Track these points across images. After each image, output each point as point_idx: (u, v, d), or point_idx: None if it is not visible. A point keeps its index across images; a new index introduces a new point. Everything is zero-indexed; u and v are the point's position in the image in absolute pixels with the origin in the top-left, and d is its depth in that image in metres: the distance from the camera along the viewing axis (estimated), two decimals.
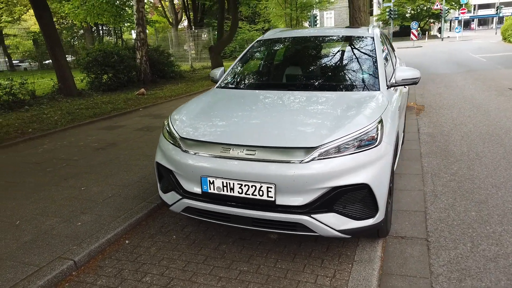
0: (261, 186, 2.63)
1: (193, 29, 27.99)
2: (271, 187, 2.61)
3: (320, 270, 2.81)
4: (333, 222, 2.64)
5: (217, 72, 4.22)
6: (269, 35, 4.57)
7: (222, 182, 2.72)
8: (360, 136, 2.69)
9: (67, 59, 13.28)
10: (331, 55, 4.19)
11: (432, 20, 51.18)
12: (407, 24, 44.36)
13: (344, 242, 3.14)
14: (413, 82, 3.61)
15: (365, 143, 2.71)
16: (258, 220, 2.73)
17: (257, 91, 3.80)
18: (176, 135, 3.02)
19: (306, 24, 34.22)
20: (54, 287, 2.77)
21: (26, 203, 4.05)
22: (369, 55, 3.84)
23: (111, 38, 34.23)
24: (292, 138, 2.70)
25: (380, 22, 50.93)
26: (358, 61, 3.96)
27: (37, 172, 5.08)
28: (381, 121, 2.85)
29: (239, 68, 4.24)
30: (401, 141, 4.66)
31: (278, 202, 2.63)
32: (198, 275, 2.82)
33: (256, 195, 2.66)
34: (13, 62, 32.66)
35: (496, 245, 3.03)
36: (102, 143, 6.43)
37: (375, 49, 3.83)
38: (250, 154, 2.67)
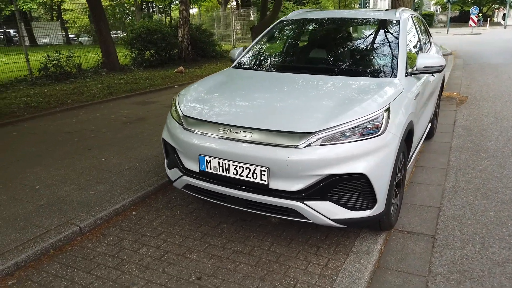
0: (255, 169, 2.60)
1: (240, 8, 27.84)
2: (265, 171, 2.57)
3: (313, 257, 2.76)
4: (327, 211, 2.57)
5: (236, 52, 4.19)
6: (292, 15, 4.44)
7: (219, 162, 2.71)
8: (363, 123, 2.57)
9: (118, 35, 13.69)
10: (351, 39, 4.00)
11: (496, 6, 47.58)
12: (467, 9, 41.58)
13: (345, 232, 3.06)
14: (437, 70, 3.39)
15: (368, 131, 2.58)
16: (252, 203, 2.71)
17: (268, 72, 3.72)
18: (180, 112, 3.04)
19: (357, 6, 33.02)
20: (58, 249, 2.93)
21: (49, 169, 4.28)
22: (391, 40, 3.63)
23: (161, 15, 34.89)
24: (290, 122, 2.63)
25: (439, 7, 48.07)
26: (378, 46, 3.76)
27: (66, 141, 5.34)
28: (388, 110, 2.70)
29: (257, 48, 4.17)
30: (425, 133, 4.43)
31: (272, 186, 2.59)
32: (192, 251, 2.87)
33: (250, 178, 2.64)
34: (69, 36, 34.25)
35: (508, 249, 2.82)
36: (131, 118, 6.64)
37: (398, 34, 3.61)
38: (247, 136, 2.63)
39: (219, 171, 2.74)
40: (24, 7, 22.53)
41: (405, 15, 3.92)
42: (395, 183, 2.90)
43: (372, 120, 2.61)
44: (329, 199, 2.56)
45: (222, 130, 2.73)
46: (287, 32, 4.32)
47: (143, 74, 11.78)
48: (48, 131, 5.90)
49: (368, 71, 3.44)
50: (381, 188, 2.61)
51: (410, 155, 3.47)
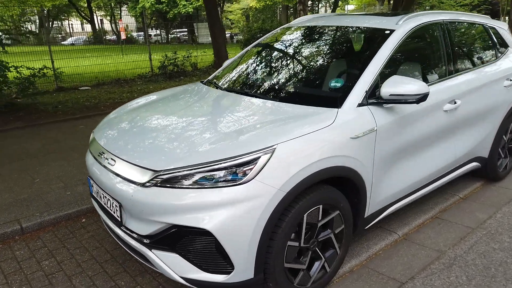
0: (112, 202, 2.36)
1: (380, 5, 26.02)
2: (117, 206, 2.31)
3: None
4: (175, 265, 2.15)
5: (226, 62, 3.89)
6: (295, 22, 3.85)
7: (96, 187, 2.55)
8: (227, 166, 2.06)
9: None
10: (322, 55, 3.22)
11: None
12: None
13: None
14: (411, 100, 2.50)
15: (231, 177, 2.06)
16: (119, 239, 2.47)
17: (212, 91, 3.23)
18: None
19: None
20: None
21: (64, 165, 4.73)
22: (364, 58, 2.82)
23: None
24: (146, 154, 2.28)
25: None
26: (344, 64, 2.96)
27: None
28: (273, 151, 2.10)
29: (237, 59, 3.76)
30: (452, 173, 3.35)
31: (127, 224, 2.31)
32: (97, 275, 2.79)
33: (111, 210, 2.41)
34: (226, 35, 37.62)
35: None
36: None
37: (379, 49, 2.77)
38: (111, 164, 2.40)
39: (97, 197, 2.58)
40: (183, 10, 25.59)
41: (409, 25, 2.96)
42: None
43: (240, 164, 2.07)
44: (177, 252, 2.14)
45: (100, 153, 2.55)
46: (273, 42, 3.76)
47: None
48: None
49: (311, 97, 2.75)
50: (237, 251, 2.06)
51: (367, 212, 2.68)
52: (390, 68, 2.83)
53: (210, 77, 3.67)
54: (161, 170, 2.11)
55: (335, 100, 2.55)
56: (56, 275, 2.77)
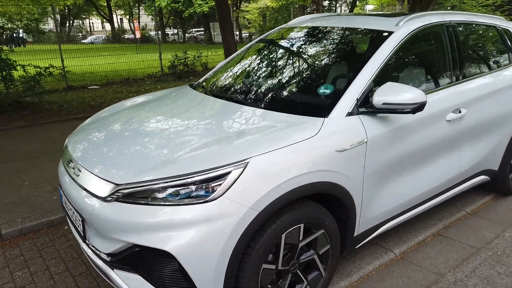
0: (76, 215, 2.20)
1: (400, 5, 25.46)
2: (80, 221, 2.14)
3: None
4: (139, 287, 1.98)
5: (219, 64, 3.70)
6: (292, 23, 3.62)
7: (65, 198, 2.40)
8: (192, 182, 1.87)
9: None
10: (315, 58, 2.97)
11: None
12: None
13: None
14: (407, 110, 2.26)
15: (197, 193, 1.88)
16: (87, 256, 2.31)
17: (199, 95, 3.01)
18: None
19: None
20: None
21: (55, 167, 4.61)
22: (359, 62, 2.58)
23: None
24: (110, 165, 2.11)
25: None
26: (337, 68, 2.73)
27: None
28: (245, 166, 1.90)
29: (229, 61, 3.56)
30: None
31: (90, 240, 2.14)
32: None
33: (76, 224, 2.25)
34: (243, 35, 37.47)
35: None
36: None
37: (375, 53, 2.54)
38: (76, 174, 2.23)
39: (66, 208, 2.42)
40: (198, 9, 25.56)
41: (410, 27, 2.71)
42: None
43: (208, 180, 1.88)
44: (140, 274, 1.97)
45: (68, 161, 2.40)
46: (266, 45, 3.55)
47: None
48: None
49: (298, 104, 2.54)
50: (204, 277, 1.87)
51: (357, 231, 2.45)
52: (387, 74, 2.59)
53: (200, 80, 3.49)
54: (123, 184, 1.93)
55: (323, 108, 2.33)
56: None
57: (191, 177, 1.87)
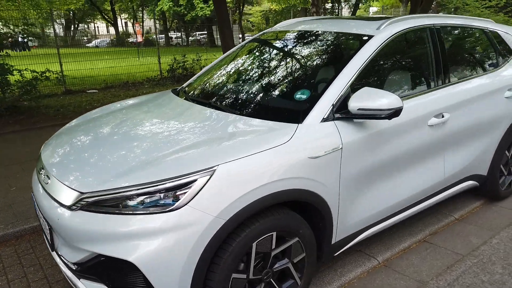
0: (45, 224, 2.17)
1: (404, 7, 25.37)
2: (48, 229, 2.12)
3: None
4: None
5: (204, 68, 3.67)
6: (276, 27, 3.58)
7: (36, 205, 2.38)
8: (155, 190, 1.84)
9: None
10: (293, 63, 2.93)
11: None
12: None
13: None
14: (383, 115, 2.22)
15: (162, 202, 1.84)
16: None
17: (179, 101, 2.98)
18: None
19: None
20: None
21: None
22: (336, 67, 2.54)
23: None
24: (80, 173, 2.07)
25: None
26: (314, 73, 2.68)
27: None
28: (212, 173, 1.86)
29: (213, 66, 3.53)
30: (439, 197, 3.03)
31: (58, 249, 2.12)
32: None
33: (45, 232, 2.23)
34: (246, 38, 37.56)
35: None
36: None
37: (353, 57, 2.49)
38: (45, 181, 2.21)
39: (38, 216, 2.40)
40: (200, 13, 25.60)
41: (391, 30, 2.66)
42: None
43: (172, 188, 1.84)
44: (105, 284, 1.93)
45: (40, 168, 2.38)
46: (252, 49, 3.51)
47: None
48: None
49: (273, 110, 2.50)
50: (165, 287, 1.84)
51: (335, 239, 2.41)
52: (367, 79, 2.55)
53: (184, 85, 3.47)
54: (87, 192, 1.91)
55: (298, 114, 2.29)
56: None
57: (156, 186, 1.84)
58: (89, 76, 11.80)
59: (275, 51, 3.20)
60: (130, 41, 33.98)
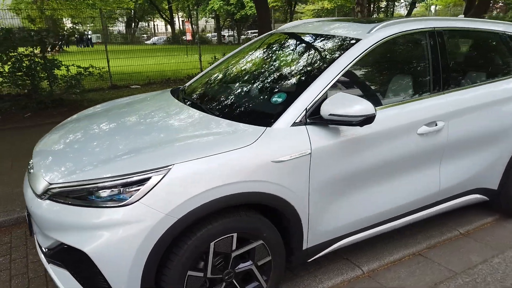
0: (26, 210, 2.34)
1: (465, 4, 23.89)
2: (28, 216, 2.29)
3: None
4: (66, 283, 2.06)
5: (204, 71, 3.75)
6: (278, 30, 3.56)
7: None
8: (110, 185, 1.92)
9: None
10: (277, 66, 2.87)
11: None
12: None
13: None
14: (354, 122, 2.15)
15: (117, 197, 1.93)
16: None
17: (172, 101, 3.00)
18: None
19: None
20: None
21: None
22: (316, 70, 2.48)
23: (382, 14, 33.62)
24: (54, 165, 2.21)
25: None
26: (295, 77, 2.63)
27: None
28: (166, 172, 1.92)
29: (212, 68, 3.57)
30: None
31: (36, 237, 2.28)
32: None
33: (27, 218, 2.40)
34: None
35: None
36: None
37: (334, 61, 2.43)
38: (29, 172, 2.38)
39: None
40: (249, 11, 25.85)
41: (381, 34, 2.55)
42: None
43: (126, 184, 1.92)
44: (68, 270, 2.06)
45: (31, 160, 2.56)
46: (249, 51, 3.51)
47: None
48: None
49: (248, 112, 2.51)
50: (119, 279, 1.92)
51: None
52: (350, 84, 2.48)
53: (186, 85, 3.56)
54: (53, 183, 2.04)
55: (270, 117, 2.28)
56: None
57: (111, 181, 1.92)
58: (136, 72, 12.36)
59: (263, 55, 3.20)
60: (184, 38, 35.09)
